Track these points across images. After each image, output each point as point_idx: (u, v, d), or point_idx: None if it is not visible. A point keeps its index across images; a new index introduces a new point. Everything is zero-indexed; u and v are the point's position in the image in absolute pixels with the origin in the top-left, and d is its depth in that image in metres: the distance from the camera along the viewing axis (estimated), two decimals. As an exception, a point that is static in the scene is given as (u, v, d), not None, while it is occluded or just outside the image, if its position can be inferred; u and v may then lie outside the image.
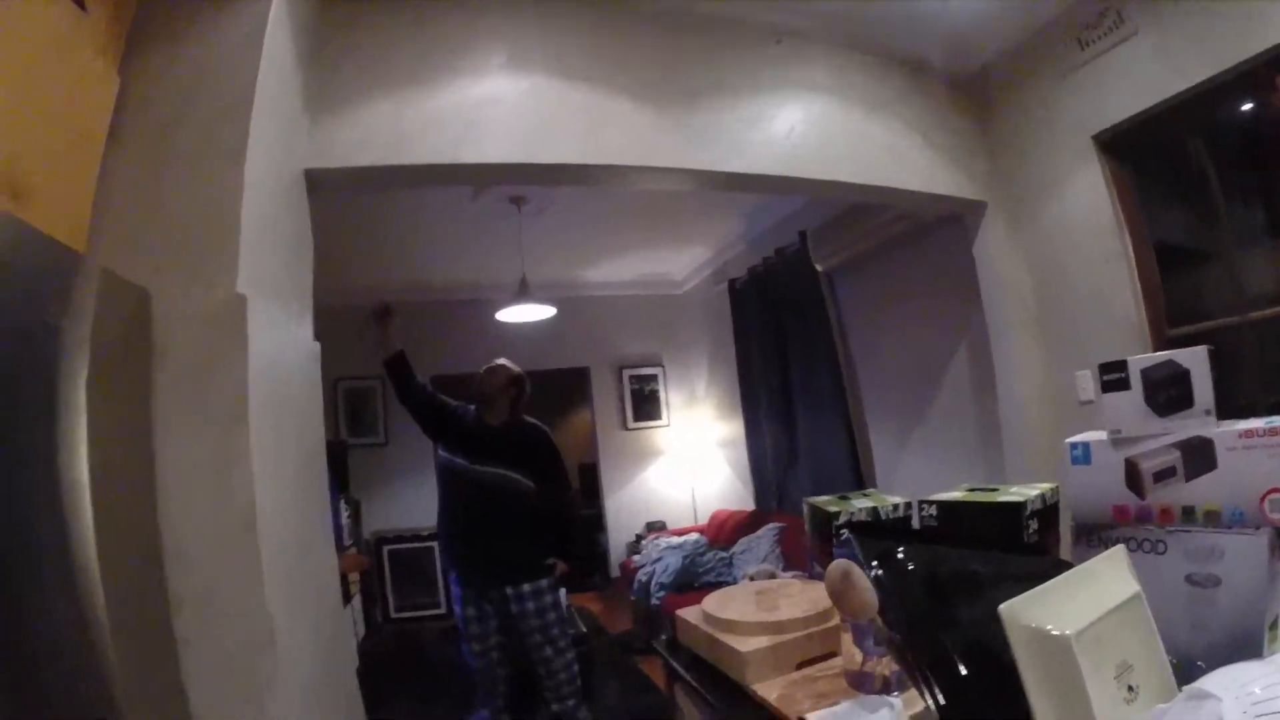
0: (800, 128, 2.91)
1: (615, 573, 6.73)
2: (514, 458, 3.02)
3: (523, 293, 4.57)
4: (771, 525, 5.01)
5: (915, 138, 3.16)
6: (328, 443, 2.25)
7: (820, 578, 1.68)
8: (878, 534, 1.59)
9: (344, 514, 5.53)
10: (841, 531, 1.57)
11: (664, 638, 1.72)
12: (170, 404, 1.50)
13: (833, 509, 1.58)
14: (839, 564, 0.97)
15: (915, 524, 1.61)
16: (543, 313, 4.83)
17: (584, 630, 4.15)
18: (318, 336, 2.19)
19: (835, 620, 1.34)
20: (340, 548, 5.18)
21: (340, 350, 2.20)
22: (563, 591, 3.23)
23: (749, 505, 6.05)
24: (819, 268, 4.69)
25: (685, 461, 6.97)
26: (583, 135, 2.55)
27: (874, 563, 0.96)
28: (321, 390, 2.21)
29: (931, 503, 1.51)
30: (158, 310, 1.52)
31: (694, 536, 5.79)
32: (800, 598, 1.46)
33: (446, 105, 2.41)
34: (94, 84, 1.49)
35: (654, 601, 4.80)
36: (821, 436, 4.88)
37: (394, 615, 6.03)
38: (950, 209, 3.38)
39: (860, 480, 4.55)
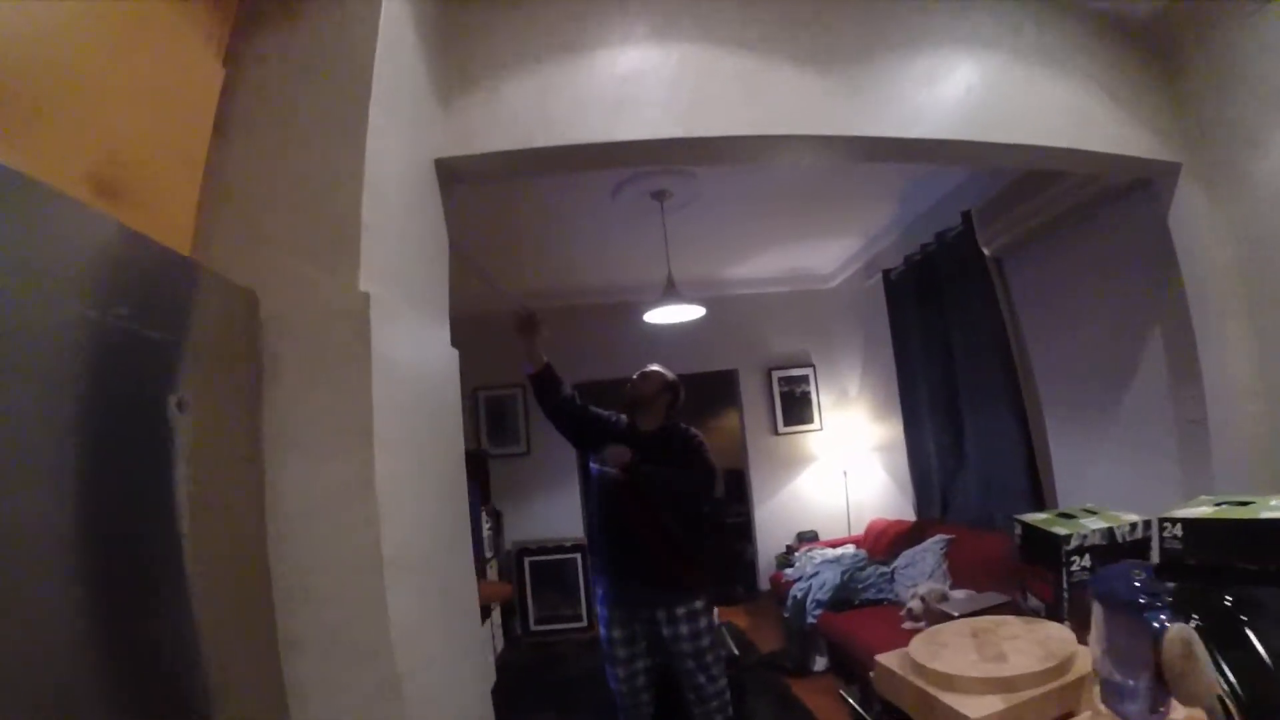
0: (978, 87, 2.57)
1: (764, 585, 6.43)
2: (669, 463, 2.87)
3: (670, 292, 4.35)
4: (937, 537, 4.56)
5: (1097, 93, 2.73)
6: (468, 453, 2.13)
7: (1035, 612, 1.40)
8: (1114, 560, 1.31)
9: (485, 526, 5.54)
10: (1073, 558, 1.28)
11: (835, 674, 1.47)
12: (284, 421, 1.36)
13: (1059, 530, 1.30)
14: (1180, 634, 0.69)
15: (1154, 547, 1.36)
16: (692, 313, 4.60)
17: (735, 652, 3.90)
18: (456, 344, 2.06)
19: (1076, 674, 1.06)
20: (481, 560, 5.17)
21: (480, 358, 2.07)
22: (715, 611, 3.01)
23: (908, 514, 5.61)
24: (986, 251, 4.23)
25: (838, 467, 6.56)
26: (741, 105, 2.33)
27: (1194, 615, 0.70)
28: (460, 400, 2.08)
29: (1175, 521, 1.31)
30: (267, 313, 1.39)
31: (850, 549, 5.41)
32: (1028, 641, 1.17)
33: (594, 80, 2.25)
34: (198, 73, 1.40)
35: (809, 619, 4.49)
36: (992, 439, 4.39)
37: (534, 627, 5.97)
38: (1140, 172, 2.93)
39: (1037, 487, 4.07)
